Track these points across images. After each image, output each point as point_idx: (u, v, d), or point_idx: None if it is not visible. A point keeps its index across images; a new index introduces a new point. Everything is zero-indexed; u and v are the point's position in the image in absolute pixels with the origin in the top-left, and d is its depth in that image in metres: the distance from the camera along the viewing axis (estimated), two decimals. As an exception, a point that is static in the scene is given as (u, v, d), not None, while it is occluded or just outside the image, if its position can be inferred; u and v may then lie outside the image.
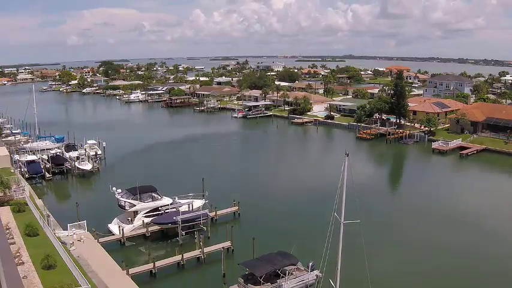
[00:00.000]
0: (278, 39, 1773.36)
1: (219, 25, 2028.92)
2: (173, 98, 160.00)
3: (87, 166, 70.55)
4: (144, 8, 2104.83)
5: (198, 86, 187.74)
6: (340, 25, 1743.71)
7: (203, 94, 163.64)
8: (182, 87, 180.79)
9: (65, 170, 71.44)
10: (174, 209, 47.84)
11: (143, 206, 48.32)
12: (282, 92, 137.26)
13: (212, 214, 49.76)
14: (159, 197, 49.91)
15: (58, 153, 74.66)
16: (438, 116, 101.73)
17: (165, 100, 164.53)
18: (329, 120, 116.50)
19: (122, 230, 45.23)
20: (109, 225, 47.61)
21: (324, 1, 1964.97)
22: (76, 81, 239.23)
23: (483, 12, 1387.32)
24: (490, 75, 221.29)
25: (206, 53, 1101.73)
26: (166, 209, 48.57)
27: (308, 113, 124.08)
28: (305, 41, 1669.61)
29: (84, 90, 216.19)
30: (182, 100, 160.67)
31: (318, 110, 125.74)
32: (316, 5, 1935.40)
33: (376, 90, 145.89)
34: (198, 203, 50.20)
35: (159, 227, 46.87)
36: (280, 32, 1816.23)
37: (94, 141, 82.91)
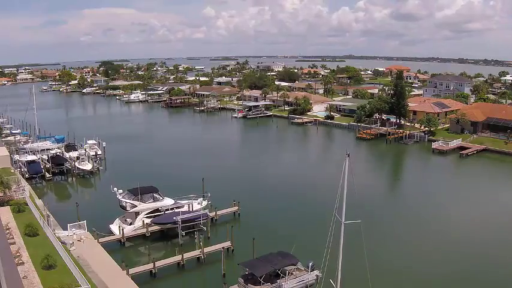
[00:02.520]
0: (279, 40, 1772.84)
1: (219, 25, 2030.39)
2: (173, 98, 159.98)
3: (87, 166, 70.50)
4: (145, 8, 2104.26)
5: (198, 86, 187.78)
6: (345, 26, 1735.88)
7: (203, 94, 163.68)
8: (182, 87, 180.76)
9: (65, 170, 71.39)
10: (174, 209, 47.86)
11: (145, 206, 48.29)
12: (282, 92, 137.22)
13: (212, 214, 49.74)
14: (161, 198, 49.86)
15: (58, 153, 74.66)
16: (438, 116, 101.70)
17: (165, 100, 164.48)
18: (329, 120, 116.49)
19: (122, 230, 45.22)
20: (110, 225, 47.57)
21: (327, 2, 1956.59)
22: (76, 81, 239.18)
23: (490, 13, 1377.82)
24: (490, 75, 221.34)
25: (206, 53, 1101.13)
26: (166, 209, 48.56)
27: (308, 113, 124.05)
28: (307, 42, 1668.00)
29: (84, 90, 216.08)
30: (182, 100, 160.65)
31: (318, 110, 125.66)
32: (319, 5, 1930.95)
33: (376, 90, 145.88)
34: (199, 203, 50.15)
35: (159, 227, 46.86)
36: (282, 33, 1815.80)
37: (94, 141, 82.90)
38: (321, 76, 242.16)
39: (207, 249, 41.05)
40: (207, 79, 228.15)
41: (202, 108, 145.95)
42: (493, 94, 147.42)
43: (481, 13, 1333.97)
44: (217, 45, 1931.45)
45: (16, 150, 76.87)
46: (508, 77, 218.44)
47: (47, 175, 67.88)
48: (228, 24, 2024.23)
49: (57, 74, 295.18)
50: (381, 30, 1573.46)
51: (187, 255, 40.34)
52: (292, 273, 35.59)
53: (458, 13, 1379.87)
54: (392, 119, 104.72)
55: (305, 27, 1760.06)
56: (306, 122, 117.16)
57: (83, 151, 75.03)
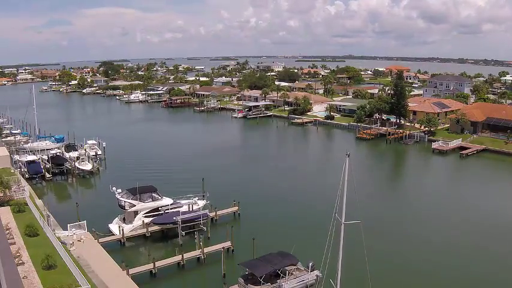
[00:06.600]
0: (279, 40, 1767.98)
1: (219, 25, 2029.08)
2: (173, 98, 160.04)
3: (87, 166, 70.55)
4: (146, 8, 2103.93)
5: (198, 86, 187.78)
6: (351, 27, 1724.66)
7: (203, 94, 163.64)
8: (182, 88, 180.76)
9: (65, 170, 71.42)
10: (174, 209, 47.86)
11: (143, 206, 48.31)
12: (282, 92, 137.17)
13: (212, 214, 49.76)
14: (159, 197, 49.90)
15: (58, 153, 74.66)
16: (438, 116, 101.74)
17: (165, 100, 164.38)
18: (329, 121, 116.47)
19: (122, 230, 45.23)
20: (109, 225, 47.62)
21: (328, 1, 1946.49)
22: (76, 82, 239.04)
23: (495, 13, 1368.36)
24: (490, 75, 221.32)
25: (206, 53, 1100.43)
26: (166, 209, 48.57)
27: (308, 113, 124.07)
28: (308, 42, 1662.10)
29: (84, 91, 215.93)
30: (182, 100, 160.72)
31: (318, 110, 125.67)
32: (320, 5, 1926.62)
33: (376, 90, 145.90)
34: (199, 203, 50.19)
35: (159, 227, 46.87)
36: (284, 33, 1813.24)
37: (94, 141, 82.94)
38: (321, 76, 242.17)
39: (207, 249, 41.06)
40: (207, 79, 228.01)
41: (202, 108, 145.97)
42: (493, 94, 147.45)
43: (493, 14, 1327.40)
44: (218, 45, 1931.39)
45: (16, 150, 76.88)
46: (508, 77, 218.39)
47: (47, 175, 67.89)
48: (229, 24, 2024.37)
49: (57, 74, 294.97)
50: (389, 30, 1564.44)
51: (187, 255, 40.34)
52: (292, 273, 35.57)
53: (475, 14, 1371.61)
54: (393, 119, 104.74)
55: (307, 28, 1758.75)
56: (306, 122, 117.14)
57: (83, 151, 75.08)
